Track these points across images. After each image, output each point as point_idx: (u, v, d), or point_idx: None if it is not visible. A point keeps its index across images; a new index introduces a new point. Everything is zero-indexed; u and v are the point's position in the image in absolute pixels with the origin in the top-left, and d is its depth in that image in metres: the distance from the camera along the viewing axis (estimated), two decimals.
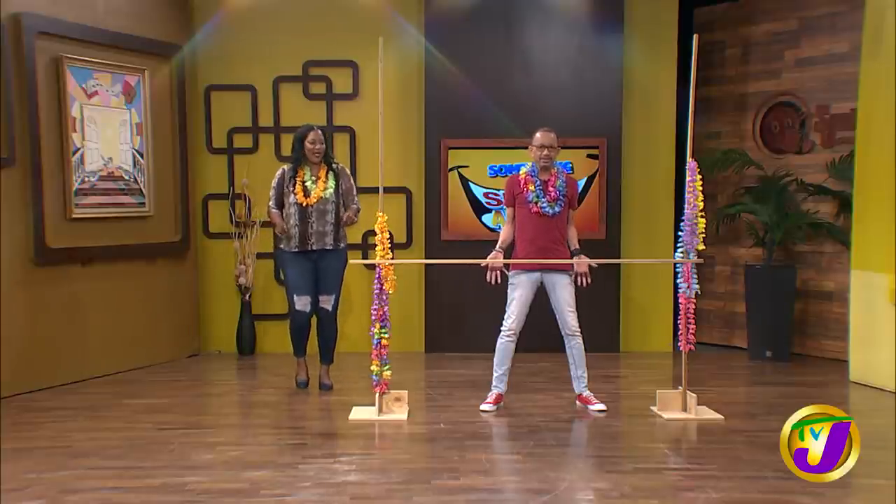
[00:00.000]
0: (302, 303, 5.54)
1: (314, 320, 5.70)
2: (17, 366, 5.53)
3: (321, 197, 5.47)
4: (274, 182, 5.58)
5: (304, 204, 5.45)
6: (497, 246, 5.21)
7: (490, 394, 5.29)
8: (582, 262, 5.13)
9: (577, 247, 5.24)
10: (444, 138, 6.87)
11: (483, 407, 5.21)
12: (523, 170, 5.24)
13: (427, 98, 6.90)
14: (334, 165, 5.61)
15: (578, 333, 5.17)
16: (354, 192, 5.66)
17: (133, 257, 6.36)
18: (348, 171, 5.70)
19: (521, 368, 6.20)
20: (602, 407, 5.19)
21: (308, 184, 5.48)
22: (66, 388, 5.78)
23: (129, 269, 6.34)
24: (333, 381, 5.80)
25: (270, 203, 5.58)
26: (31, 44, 5.54)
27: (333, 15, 6.90)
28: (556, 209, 5.12)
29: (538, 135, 5.15)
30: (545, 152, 5.11)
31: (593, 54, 6.87)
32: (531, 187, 5.12)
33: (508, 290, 5.22)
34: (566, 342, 5.22)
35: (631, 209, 7.01)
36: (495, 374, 5.28)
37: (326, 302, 5.62)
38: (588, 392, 5.27)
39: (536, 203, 5.10)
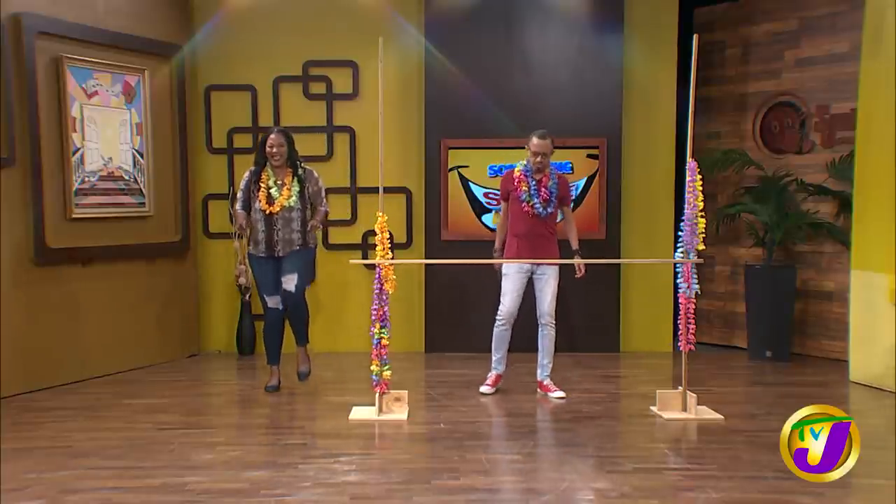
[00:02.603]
0: (273, 301, 5.59)
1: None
2: (17, 366, 5.53)
3: (284, 205, 5.44)
4: (242, 185, 5.57)
5: (269, 212, 5.45)
6: (497, 246, 5.61)
7: (489, 375, 5.61)
8: (580, 266, 5.46)
9: (577, 247, 5.58)
10: (444, 138, 6.87)
11: (482, 389, 5.55)
12: (518, 167, 5.52)
13: (427, 98, 6.90)
14: (300, 170, 5.54)
15: (553, 324, 5.53)
16: (323, 193, 5.65)
17: (133, 257, 6.36)
18: (316, 174, 5.63)
19: (520, 368, 6.20)
20: (561, 394, 5.49)
21: (272, 191, 5.46)
22: (66, 388, 5.78)
23: (129, 269, 6.34)
24: (334, 380, 5.80)
25: (238, 207, 5.56)
26: (31, 44, 5.54)
27: (333, 15, 6.91)
28: (549, 209, 5.46)
29: (535, 140, 5.39)
30: (538, 159, 5.39)
31: (593, 54, 6.87)
32: (525, 187, 5.42)
33: (502, 281, 5.54)
34: (539, 329, 5.54)
35: (631, 209, 7.01)
36: (494, 358, 5.61)
37: (289, 282, 5.48)
38: (549, 380, 5.58)
39: (529, 203, 5.41)
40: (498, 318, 5.54)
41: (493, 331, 5.58)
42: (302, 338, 5.70)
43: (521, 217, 5.45)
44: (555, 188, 5.45)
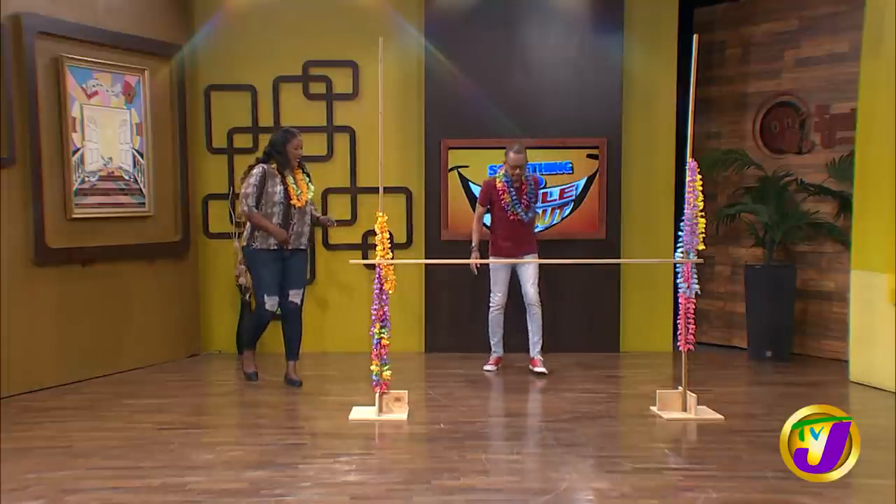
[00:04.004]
0: (272, 303, 5.68)
1: (280, 319, 5.90)
2: (17, 366, 5.53)
3: (307, 199, 5.69)
4: (254, 181, 5.56)
5: (293, 206, 5.58)
6: (474, 246, 6.12)
7: (490, 357, 6.33)
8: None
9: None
10: (444, 138, 6.87)
11: (486, 367, 6.27)
12: (498, 177, 6.11)
13: (427, 98, 6.90)
14: (305, 167, 5.79)
15: (538, 304, 6.19)
16: None
17: (133, 257, 6.36)
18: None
19: (520, 368, 6.22)
20: (544, 370, 6.16)
21: (293, 186, 5.59)
22: (66, 388, 5.78)
23: (129, 269, 6.34)
24: (334, 380, 5.82)
25: (251, 202, 5.54)
26: (31, 44, 5.53)
27: (333, 15, 6.90)
28: (530, 214, 6.14)
29: (512, 156, 5.98)
30: (517, 171, 6.00)
31: (593, 54, 6.87)
32: (507, 198, 6.05)
33: (491, 273, 6.23)
34: (528, 311, 6.23)
35: (631, 209, 7.01)
36: (492, 342, 6.32)
37: (296, 296, 5.76)
38: (538, 356, 6.25)
39: (514, 211, 6.06)
40: (491, 305, 6.27)
41: (488, 318, 6.30)
42: (295, 354, 5.88)
43: (506, 223, 6.11)
44: (532, 193, 6.13)
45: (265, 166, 5.58)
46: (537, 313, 6.21)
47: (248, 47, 6.91)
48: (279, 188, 5.54)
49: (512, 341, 6.45)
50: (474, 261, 6.04)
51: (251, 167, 5.69)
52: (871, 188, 5.81)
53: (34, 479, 3.93)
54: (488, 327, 6.33)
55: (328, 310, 7.06)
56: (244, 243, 5.74)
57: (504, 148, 6.65)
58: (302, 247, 5.74)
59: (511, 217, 6.05)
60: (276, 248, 5.60)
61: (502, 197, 6.05)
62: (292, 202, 5.57)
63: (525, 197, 6.07)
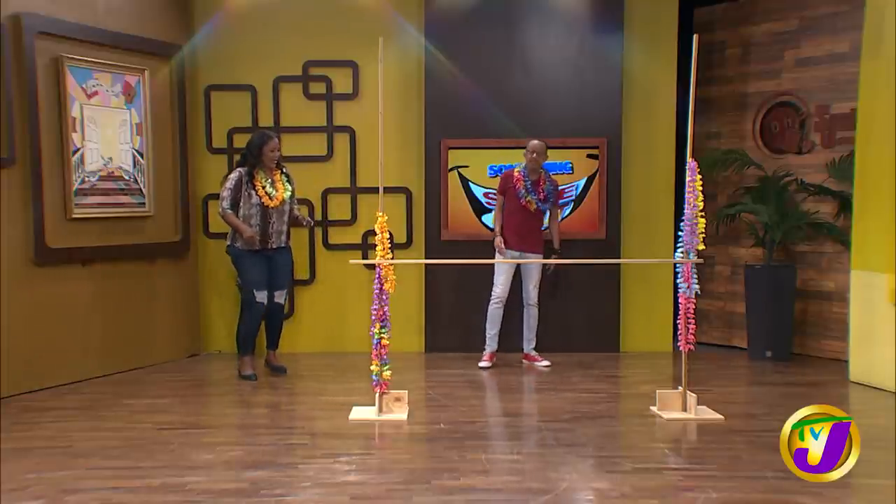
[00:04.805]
0: (261, 296, 5.90)
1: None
2: (17, 366, 5.53)
3: (283, 199, 5.82)
4: (230, 185, 5.77)
5: (269, 206, 5.76)
6: (497, 230, 6.31)
7: (485, 353, 6.40)
8: (553, 263, 6.26)
9: (558, 246, 6.42)
10: (444, 138, 6.87)
11: (481, 364, 6.33)
12: (517, 169, 6.31)
13: (427, 98, 6.90)
14: (284, 169, 5.95)
15: (537, 305, 6.42)
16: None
17: (133, 257, 6.36)
18: (291, 175, 6.08)
19: (520, 368, 6.22)
20: (547, 363, 6.36)
21: (268, 187, 5.76)
22: (66, 388, 5.78)
23: (129, 269, 6.34)
24: (334, 380, 5.84)
25: (226, 205, 5.76)
26: (31, 44, 5.53)
27: (333, 15, 6.90)
28: (545, 206, 6.32)
29: (532, 142, 6.23)
30: (533, 156, 6.18)
31: (593, 54, 6.87)
32: (522, 186, 6.22)
33: (495, 266, 6.30)
34: (525, 310, 6.44)
35: (631, 209, 7.01)
36: (488, 336, 6.40)
37: (280, 297, 6.06)
38: (534, 352, 6.45)
39: (527, 199, 6.21)
40: (493, 298, 6.36)
41: (486, 311, 6.37)
42: (276, 343, 6.21)
43: (518, 211, 6.24)
44: (550, 188, 6.30)
45: (242, 170, 5.78)
46: (535, 313, 6.42)
47: (248, 47, 6.91)
48: (254, 191, 5.75)
49: (511, 341, 6.45)
50: (485, 261, 6.20)
51: (230, 171, 5.96)
52: (871, 188, 5.81)
53: (34, 479, 3.93)
54: (486, 321, 6.40)
55: (328, 310, 7.05)
56: (228, 242, 5.95)
57: (505, 148, 6.72)
58: (283, 245, 5.94)
59: (524, 204, 6.19)
60: (255, 247, 5.81)
61: (517, 185, 6.21)
62: (265, 203, 5.74)
63: (541, 190, 6.23)
